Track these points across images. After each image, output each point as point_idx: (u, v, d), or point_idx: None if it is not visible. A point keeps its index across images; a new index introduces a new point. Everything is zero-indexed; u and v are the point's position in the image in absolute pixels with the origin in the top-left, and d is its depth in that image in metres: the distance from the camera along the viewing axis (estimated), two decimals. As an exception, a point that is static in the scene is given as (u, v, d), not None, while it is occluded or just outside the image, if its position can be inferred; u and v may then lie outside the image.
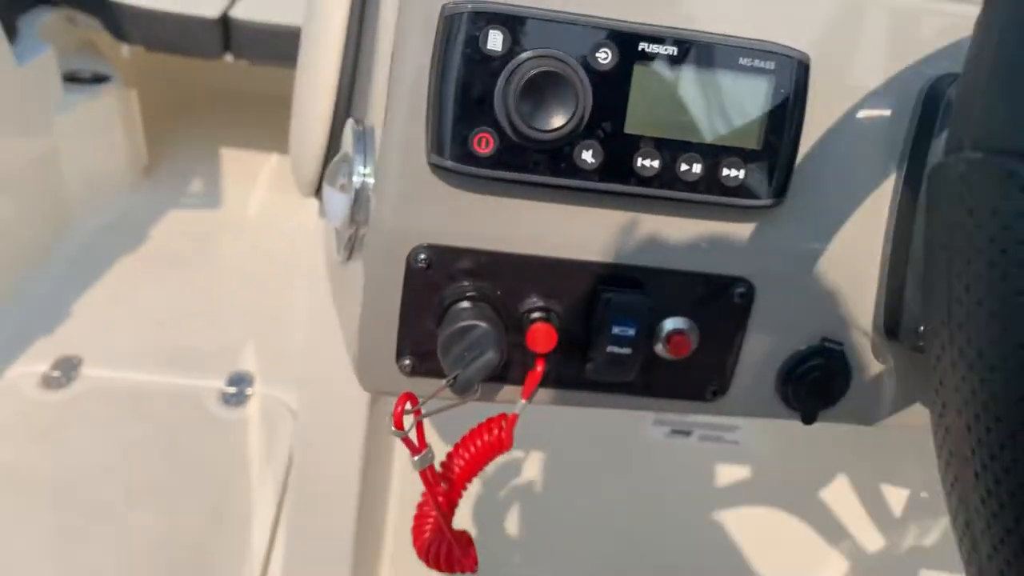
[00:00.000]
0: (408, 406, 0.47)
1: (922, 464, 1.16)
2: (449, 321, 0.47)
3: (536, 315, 0.50)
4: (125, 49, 2.07)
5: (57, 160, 1.93)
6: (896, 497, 1.16)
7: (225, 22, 1.94)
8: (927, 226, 0.24)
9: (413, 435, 0.49)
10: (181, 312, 1.79)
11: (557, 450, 1.10)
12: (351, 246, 0.56)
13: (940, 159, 0.23)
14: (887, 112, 0.50)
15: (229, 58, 1.98)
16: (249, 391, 1.60)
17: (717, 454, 1.12)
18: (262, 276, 1.90)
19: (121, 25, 1.94)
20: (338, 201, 0.56)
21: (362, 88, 0.60)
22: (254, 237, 2.06)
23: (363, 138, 0.54)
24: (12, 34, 1.81)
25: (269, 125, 2.33)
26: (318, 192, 0.71)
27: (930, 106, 0.49)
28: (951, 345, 0.21)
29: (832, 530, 1.17)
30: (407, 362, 0.52)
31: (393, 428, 0.47)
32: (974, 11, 0.50)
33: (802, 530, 1.18)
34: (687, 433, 1.09)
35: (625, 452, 1.12)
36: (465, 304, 0.49)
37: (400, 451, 1.11)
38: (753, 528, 1.16)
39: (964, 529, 0.21)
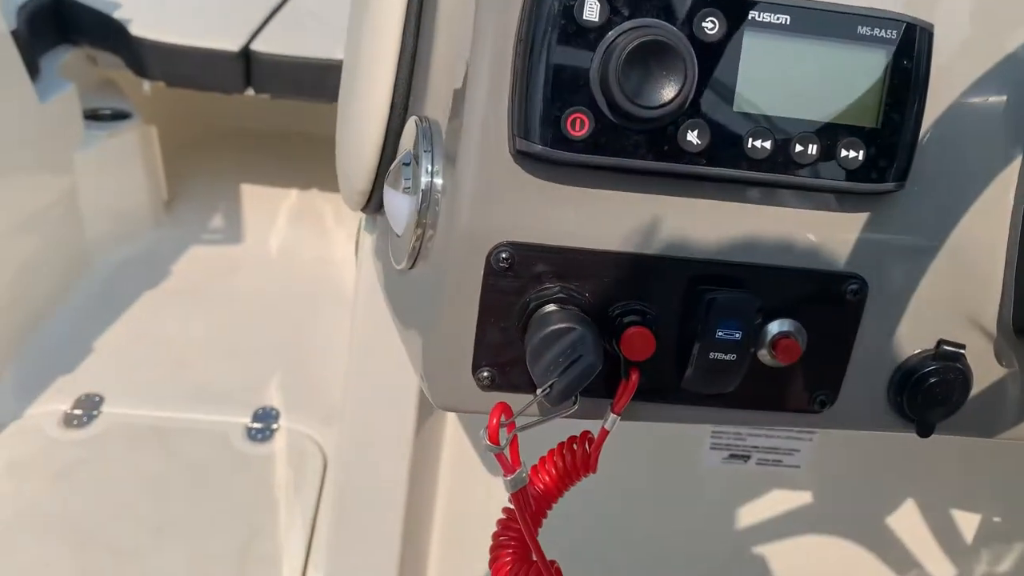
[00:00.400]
0: (502, 418, 0.42)
1: (993, 487, 1.10)
2: (537, 326, 0.42)
3: (630, 319, 0.45)
4: (146, 85, 2.05)
5: (78, 197, 1.91)
6: (966, 522, 1.10)
7: (246, 56, 1.93)
8: None
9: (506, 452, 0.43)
10: (204, 348, 1.74)
11: (610, 477, 1.04)
12: (416, 252, 0.51)
13: None
14: (1010, 89, 0.46)
15: (250, 92, 1.97)
16: (275, 426, 1.55)
17: (777, 479, 1.06)
18: (284, 311, 1.86)
19: (142, 61, 1.93)
20: (403, 204, 0.51)
21: (420, 82, 0.56)
22: (275, 272, 2.02)
23: (429, 134, 0.50)
24: (34, 72, 1.80)
25: (289, 161, 2.31)
26: (367, 206, 0.66)
27: (1059, 81, 0.44)
28: None
29: (899, 558, 1.10)
30: (485, 374, 0.47)
31: (488, 443, 0.42)
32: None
33: (867, 558, 1.11)
34: (745, 458, 1.03)
35: (680, 478, 1.06)
36: (552, 307, 0.44)
37: (446, 479, 1.06)
38: (816, 557, 1.09)
39: None
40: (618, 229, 0.45)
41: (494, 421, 0.42)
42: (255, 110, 2.29)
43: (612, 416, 0.47)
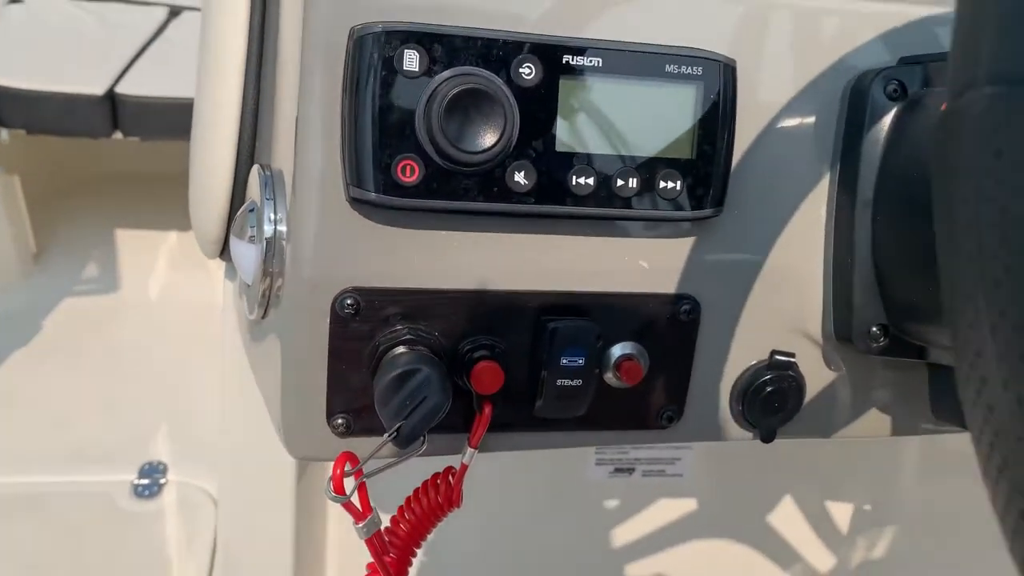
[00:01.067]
0: (348, 467, 0.43)
1: (861, 477, 1.16)
2: (385, 369, 0.43)
3: (479, 353, 0.46)
4: (3, 134, 1.96)
5: (-66, 256, 1.80)
6: (842, 513, 1.16)
7: (112, 99, 1.86)
8: (937, 178, 0.21)
9: (356, 500, 0.44)
10: (83, 405, 1.67)
11: (496, 499, 1.05)
12: (266, 301, 0.51)
13: (946, 108, 0.21)
14: (814, 112, 0.49)
15: (118, 136, 1.90)
16: (163, 481, 1.50)
17: (662, 488, 1.10)
18: (167, 358, 1.80)
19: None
20: (249, 254, 0.51)
21: (265, 130, 0.56)
22: (156, 319, 1.95)
23: (271, 183, 0.50)
24: None
25: (164, 203, 2.24)
26: (223, 253, 0.66)
27: (856, 103, 0.48)
28: (993, 337, 0.19)
29: (783, 554, 1.15)
30: (340, 421, 0.47)
31: (332, 493, 0.42)
32: (890, 8, 0.50)
33: (753, 556, 1.16)
34: (630, 471, 1.06)
35: (569, 495, 1.08)
36: (401, 349, 0.45)
37: (336, 520, 1.04)
38: (704, 559, 1.13)
39: (1019, 520, 0.19)
40: (459, 268, 0.46)
41: (338, 471, 0.43)
42: (127, 153, 2.21)
43: (469, 450, 0.48)
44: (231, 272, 0.73)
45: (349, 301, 0.45)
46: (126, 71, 1.96)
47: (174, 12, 2.43)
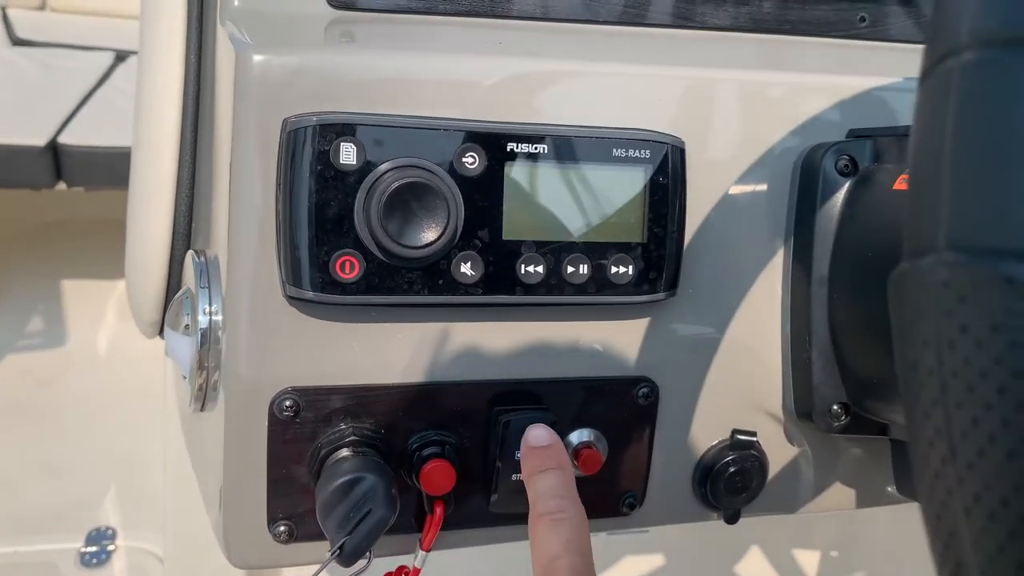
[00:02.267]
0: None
1: (829, 522, 1.15)
2: (327, 477, 0.41)
3: (428, 451, 0.44)
4: (-59, 186, 1.90)
5: None
6: (809, 561, 1.15)
7: (54, 149, 1.81)
8: (899, 343, 0.20)
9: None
10: (27, 468, 1.60)
11: (460, 567, 1.02)
12: (203, 395, 0.48)
13: (905, 265, 0.19)
14: (765, 187, 0.48)
15: (62, 186, 1.85)
16: (112, 547, 1.44)
17: (629, 546, 1.08)
18: (117, 416, 1.74)
19: (-66, 162, 1.78)
20: (183, 346, 0.49)
21: (202, 215, 0.54)
22: (105, 373, 1.89)
23: (206, 271, 0.48)
24: None
25: (110, 250, 2.18)
26: (162, 332, 0.63)
27: (808, 178, 0.48)
28: (960, 488, 0.18)
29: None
30: (282, 528, 0.44)
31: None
32: (831, 82, 0.50)
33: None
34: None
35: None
36: (345, 452, 0.42)
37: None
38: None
39: None
40: (404, 361, 0.44)
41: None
42: (71, 202, 2.16)
43: (422, 553, 0.46)
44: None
45: (288, 403, 0.43)
46: (69, 120, 1.91)
47: (120, 57, 2.40)
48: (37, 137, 1.81)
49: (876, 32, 0.58)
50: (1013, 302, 0.17)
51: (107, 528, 1.47)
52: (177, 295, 0.52)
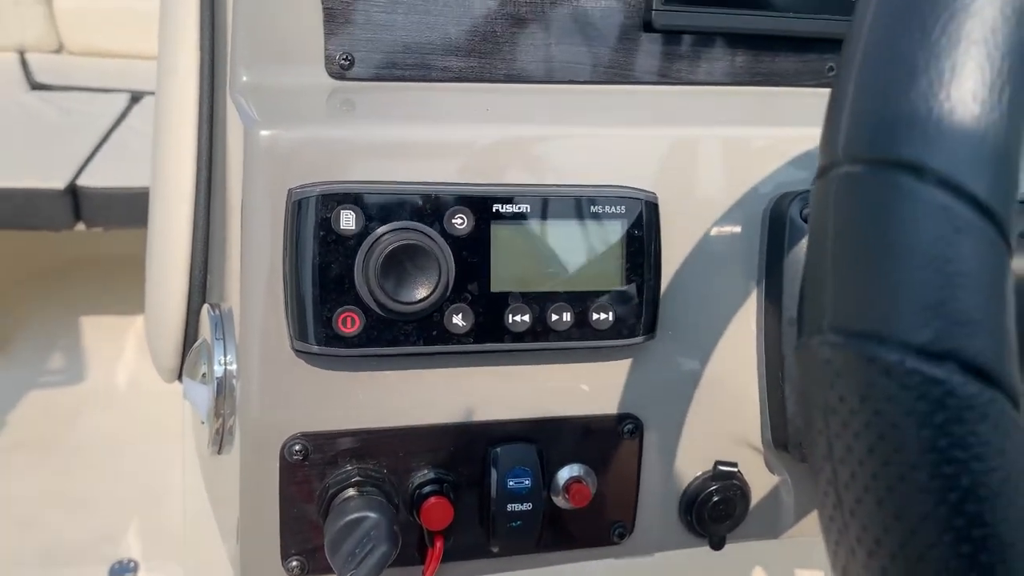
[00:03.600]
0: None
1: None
2: (335, 515, 0.44)
3: (428, 489, 0.48)
4: (-37, 230, 1.96)
5: None
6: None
7: (74, 192, 1.87)
8: (804, 406, 0.23)
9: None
10: (50, 503, 1.64)
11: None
12: (220, 439, 0.52)
13: (802, 340, 0.23)
14: (738, 235, 0.52)
15: (81, 227, 1.91)
16: (134, 580, 1.47)
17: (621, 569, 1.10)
18: (137, 450, 1.78)
19: (-42, 206, 1.85)
20: (201, 393, 0.52)
21: (216, 269, 0.58)
22: (125, 408, 1.94)
23: (221, 324, 0.52)
24: None
25: (128, 286, 2.23)
26: (180, 375, 0.67)
27: (776, 224, 0.51)
28: (847, 530, 0.21)
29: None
30: (295, 563, 0.48)
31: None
32: (797, 133, 0.53)
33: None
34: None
35: None
36: (350, 492, 0.46)
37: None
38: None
39: None
40: (404, 406, 0.48)
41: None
42: (89, 239, 2.21)
43: (423, 583, 0.49)
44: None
45: (297, 447, 0.46)
46: (87, 162, 1.97)
47: (135, 98, 2.46)
48: (57, 180, 1.87)
49: None
50: (875, 377, 0.21)
51: (129, 561, 1.50)
52: (195, 345, 0.56)
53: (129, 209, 1.90)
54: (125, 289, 2.18)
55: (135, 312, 2.21)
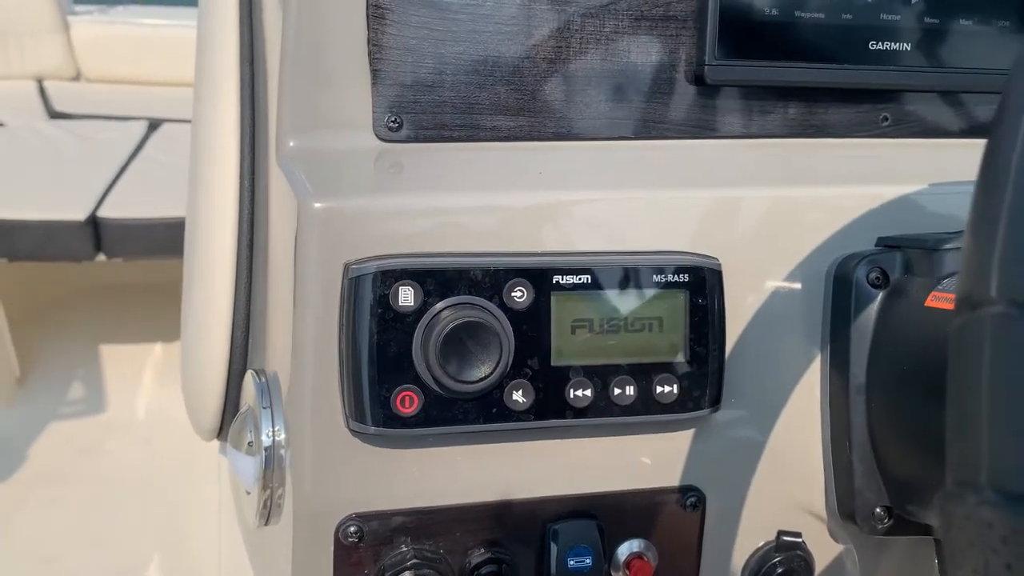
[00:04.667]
0: None
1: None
2: (394, 602, 0.43)
3: (486, 569, 0.46)
4: (-15, 261, 1.96)
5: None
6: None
7: (95, 223, 1.87)
8: (951, 562, 0.22)
9: None
10: (71, 537, 1.63)
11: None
12: (268, 512, 0.51)
13: (952, 490, 0.21)
14: (800, 298, 0.50)
15: (102, 258, 1.90)
16: (157, 618, 1.45)
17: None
18: (158, 483, 1.77)
19: (-22, 239, 1.85)
20: (247, 463, 0.51)
21: (259, 333, 0.57)
22: (145, 439, 1.93)
23: (268, 392, 0.50)
24: None
25: (149, 315, 2.23)
26: (220, 434, 0.65)
27: (841, 287, 0.49)
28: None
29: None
30: None
31: None
32: (855, 191, 0.52)
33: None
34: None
35: None
36: (407, 575, 0.44)
37: None
38: None
39: None
40: (461, 484, 0.46)
41: None
42: (109, 270, 2.21)
43: (482, 667, 0.47)
44: (225, 449, 0.72)
45: (352, 528, 0.45)
46: (107, 193, 1.97)
47: (153, 126, 2.47)
48: (77, 212, 1.87)
49: (899, 130, 0.60)
50: None
51: (152, 598, 1.49)
52: (239, 413, 0.55)
53: (149, 240, 1.90)
54: (145, 318, 2.18)
55: (155, 340, 2.20)
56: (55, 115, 2.57)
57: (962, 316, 0.22)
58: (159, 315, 2.22)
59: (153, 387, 2.11)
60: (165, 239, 1.89)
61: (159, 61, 2.62)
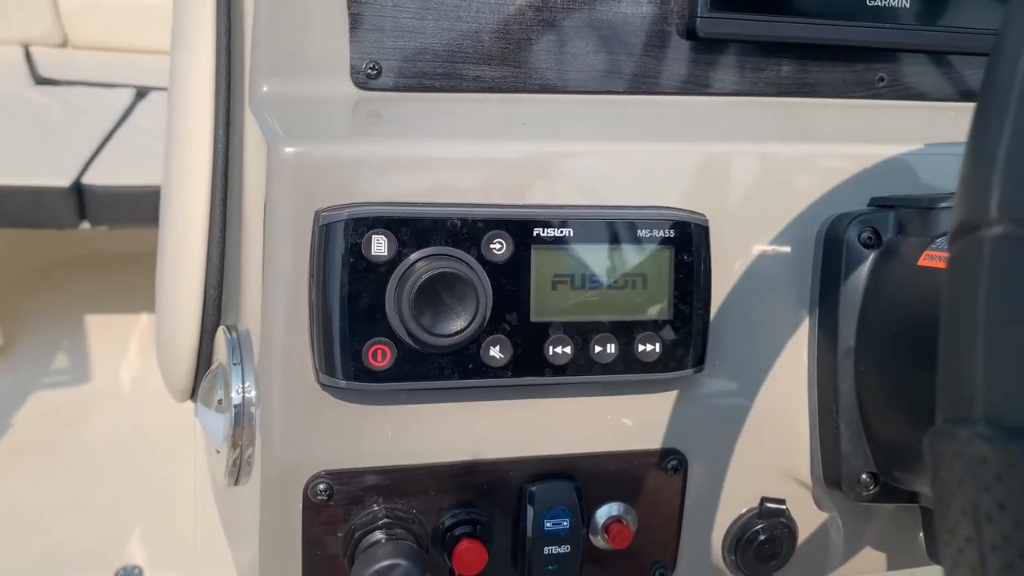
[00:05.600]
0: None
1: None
2: (362, 563, 0.41)
3: (460, 530, 0.45)
4: (-33, 227, 1.93)
5: None
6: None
7: (79, 190, 1.84)
8: (939, 502, 0.20)
9: None
10: (54, 506, 1.61)
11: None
12: (237, 471, 0.49)
13: (942, 427, 0.20)
14: (788, 258, 0.49)
15: (86, 226, 1.88)
16: (140, 586, 1.45)
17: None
18: (142, 452, 1.76)
19: (-40, 204, 1.81)
20: (216, 421, 0.49)
21: (233, 288, 0.55)
22: (130, 410, 1.91)
23: (239, 348, 0.49)
24: None
25: (135, 284, 2.20)
26: (193, 395, 0.64)
27: (832, 248, 0.48)
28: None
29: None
30: None
31: None
32: (848, 149, 0.50)
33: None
34: None
35: None
36: (378, 536, 0.43)
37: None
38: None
39: None
40: (436, 442, 0.45)
41: None
42: (94, 238, 2.18)
43: (455, 632, 0.46)
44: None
45: (322, 486, 0.43)
46: (92, 160, 1.94)
47: (140, 93, 2.43)
48: (62, 178, 1.84)
49: (895, 91, 0.58)
50: None
51: (134, 567, 1.48)
52: (210, 370, 0.53)
53: (134, 208, 1.88)
54: (131, 288, 2.16)
55: (140, 311, 2.18)
56: (41, 81, 2.52)
57: (958, 243, 0.20)
58: (145, 285, 2.18)
59: (139, 357, 2.09)
60: (151, 207, 1.86)
61: (147, 28, 2.58)
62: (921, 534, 0.53)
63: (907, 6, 0.55)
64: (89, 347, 2.11)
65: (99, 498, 1.63)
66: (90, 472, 1.71)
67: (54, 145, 2.00)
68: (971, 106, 0.60)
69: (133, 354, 2.09)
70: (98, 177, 1.87)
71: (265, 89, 0.47)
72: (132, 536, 1.54)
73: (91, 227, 1.89)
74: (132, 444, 1.78)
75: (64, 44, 2.71)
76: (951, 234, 0.21)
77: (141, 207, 1.87)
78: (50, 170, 1.86)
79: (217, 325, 0.55)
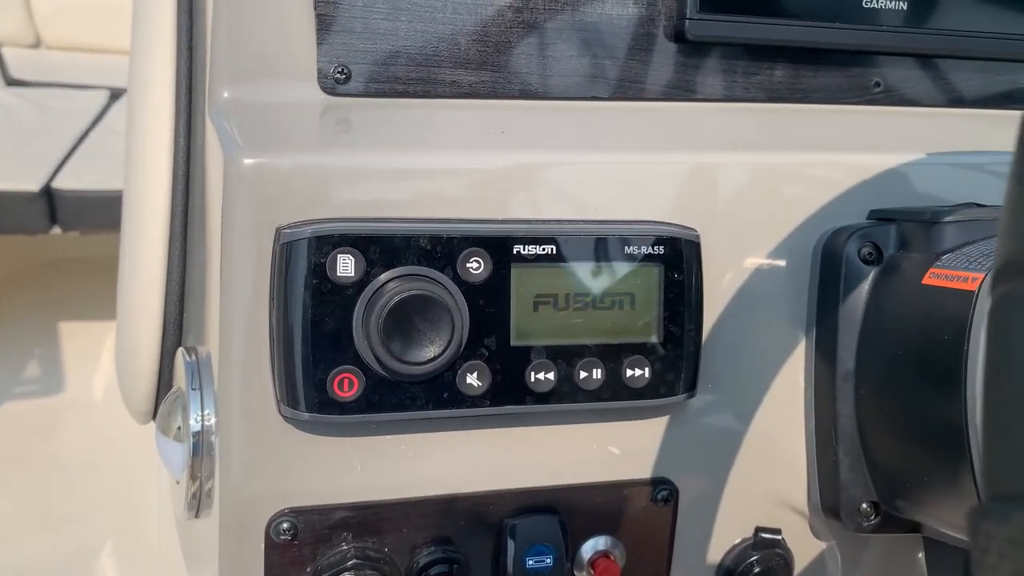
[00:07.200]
0: None
1: None
2: (329, 609, 0.38)
3: (436, 570, 0.41)
4: (-65, 233, 1.87)
5: None
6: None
7: (49, 194, 1.80)
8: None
9: None
10: (22, 521, 1.57)
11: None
12: (197, 504, 0.46)
13: (994, 506, 0.17)
14: (783, 275, 0.46)
15: (57, 231, 1.83)
16: (110, 603, 1.40)
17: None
18: (115, 465, 1.71)
19: (-74, 208, 1.76)
20: (175, 451, 0.46)
21: (195, 306, 0.52)
22: (103, 420, 1.86)
23: (198, 372, 0.45)
24: None
25: (107, 290, 2.15)
26: (155, 417, 0.60)
27: (829, 263, 0.45)
28: None
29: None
30: None
31: None
32: (844, 159, 0.47)
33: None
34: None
35: None
36: (347, 576, 0.40)
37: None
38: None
39: None
40: (409, 475, 0.41)
41: None
42: (66, 242, 2.13)
43: (430, 675, 0.43)
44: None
45: (285, 525, 0.40)
46: (63, 163, 1.89)
47: (114, 96, 2.38)
48: (31, 182, 1.79)
49: (892, 97, 0.56)
50: None
51: (105, 584, 1.43)
52: (169, 394, 0.49)
53: (106, 213, 1.83)
54: (103, 294, 2.10)
55: (113, 318, 2.13)
56: (12, 82, 2.47)
57: (1002, 286, 0.18)
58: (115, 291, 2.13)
59: (111, 366, 2.04)
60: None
61: (122, 29, 2.53)
62: (924, 565, 0.50)
63: (904, 8, 0.53)
64: (61, 355, 2.06)
65: (69, 511, 1.59)
66: (61, 484, 1.66)
67: (25, 148, 1.95)
68: (974, 112, 0.58)
69: (106, 362, 2.04)
70: (69, 181, 1.83)
71: (225, 95, 0.44)
72: (103, 550, 1.50)
73: (63, 232, 1.84)
74: (104, 456, 1.73)
75: (37, 44, 2.66)
76: (995, 274, 0.18)
77: (113, 211, 1.82)
78: (19, 174, 1.81)
79: (178, 345, 0.52)
